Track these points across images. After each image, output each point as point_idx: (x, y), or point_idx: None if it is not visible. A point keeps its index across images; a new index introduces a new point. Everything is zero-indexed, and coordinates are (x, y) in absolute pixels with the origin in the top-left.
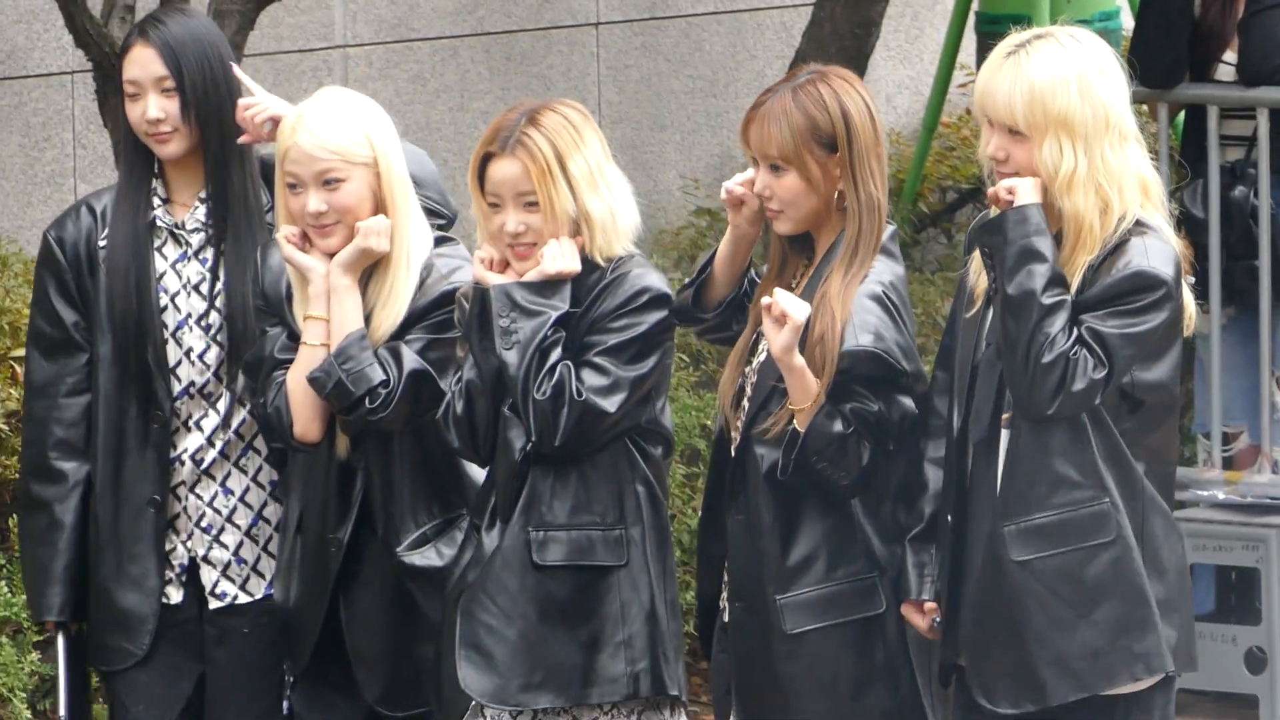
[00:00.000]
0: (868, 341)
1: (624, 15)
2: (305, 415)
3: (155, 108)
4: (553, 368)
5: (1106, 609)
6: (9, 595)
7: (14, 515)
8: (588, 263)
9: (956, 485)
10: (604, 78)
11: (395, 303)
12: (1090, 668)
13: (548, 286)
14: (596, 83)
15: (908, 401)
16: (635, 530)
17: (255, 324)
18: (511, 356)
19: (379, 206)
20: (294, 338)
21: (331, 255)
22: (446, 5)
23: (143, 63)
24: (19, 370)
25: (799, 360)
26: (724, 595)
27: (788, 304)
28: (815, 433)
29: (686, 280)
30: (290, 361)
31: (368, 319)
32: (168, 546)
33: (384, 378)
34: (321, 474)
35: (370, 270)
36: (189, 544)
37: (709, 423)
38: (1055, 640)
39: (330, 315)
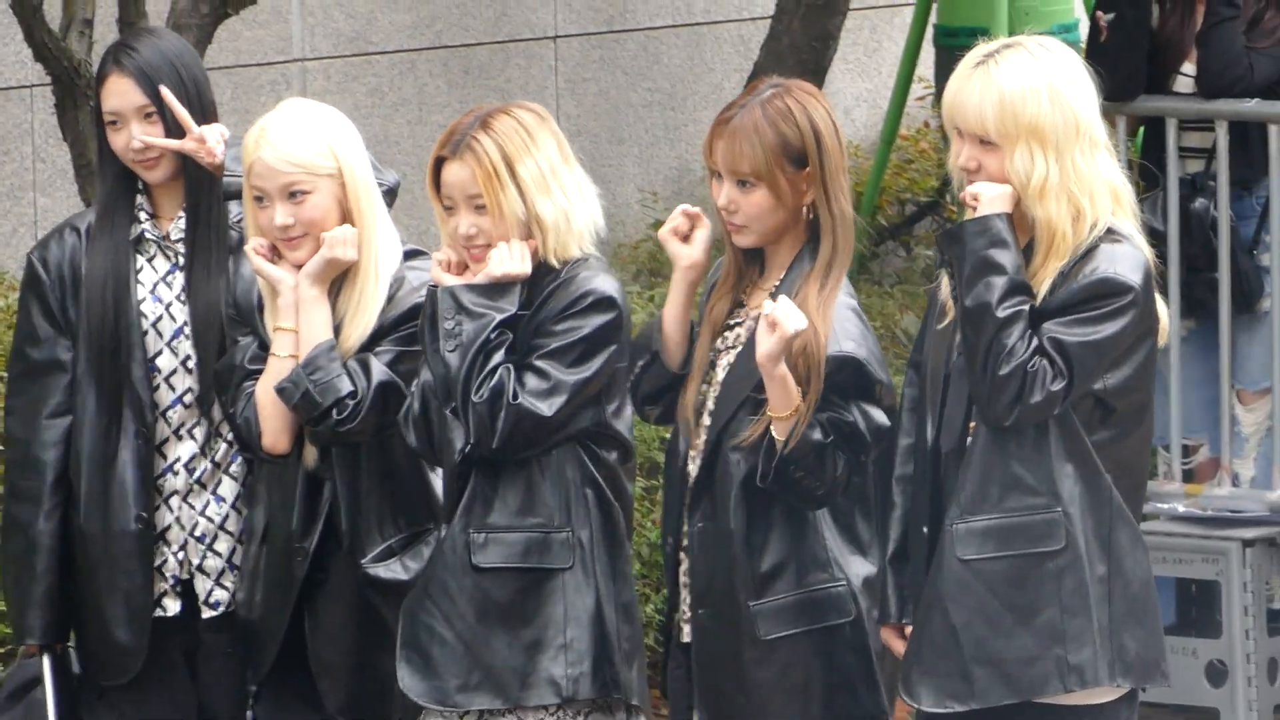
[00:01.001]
0: (849, 348)
1: (581, 28)
2: (274, 426)
3: (139, 138)
4: (493, 370)
5: (1046, 616)
6: None
7: None
8: (542, 265)
9: (931, 496)
10: (562, 90)
11: (364, 313)
12: (1023, 673)
13: (495, 289)
14: (555, 96)
15: (879, 413)
16: (583, 533)
17: (228, 333)
18: (453, 358)
19: (345, 217)
20: (265, 348)
21: (300, 267)
22: (404, 19)
23: (121, 92)
24: None
25: (783, 369)
26: (679, 614)
27: (783, 313)
28: (797, 440)
29: (639, 365)
30: (260, 372)
31: (337, 330)
32: (159, 560)
33: (352, 389)
34: (289, 483)
35: (340, 281)
36: (180, 555)
37: (668, 435)
38: (990, 641)
39: (299, 326)
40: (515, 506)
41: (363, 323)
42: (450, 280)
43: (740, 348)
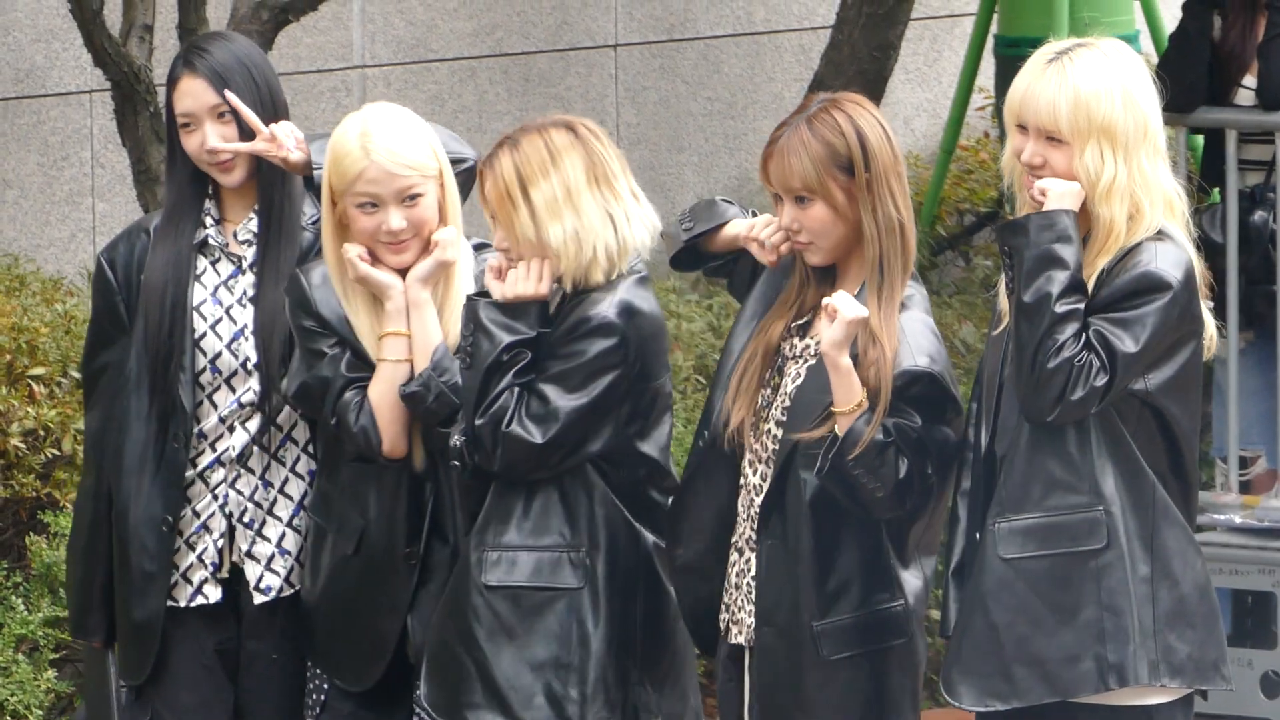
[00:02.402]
0: (924, 363)
1: (642, 37)
2: (394, 431)
3: (215, 137)
4: (500, 393)
5: (1087, 615)
6: (25, 613)
7: (30, 533)
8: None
9: (984, 502)
10: (622, 99)
11: (458, 311)
12: (1064, 672)
13: (514, 309)
14: (615, 104)
15: (948, 430)
16: (596, 554)
17: (302, 341)
18: (467, 377)
19: (443, 216)
20: (359, 355)
21: (400, 270)
22: (465, 26)
23: (194, 93)
24: (37, 389)
25: (847, 361)
26: (725, 617)
27: (841, 302)
28: (854, 436)
29: (687, 225)
30: (363, 380)
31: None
32: (200, 548)
33: None
34: (389, 490)
35: (436, 281)
36: (220, 543)
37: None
38: (1032, 640)
39: (412, 330)
40: (528, 526)
41: (459, 320)
42: (496, 288)
43: (813, 360)
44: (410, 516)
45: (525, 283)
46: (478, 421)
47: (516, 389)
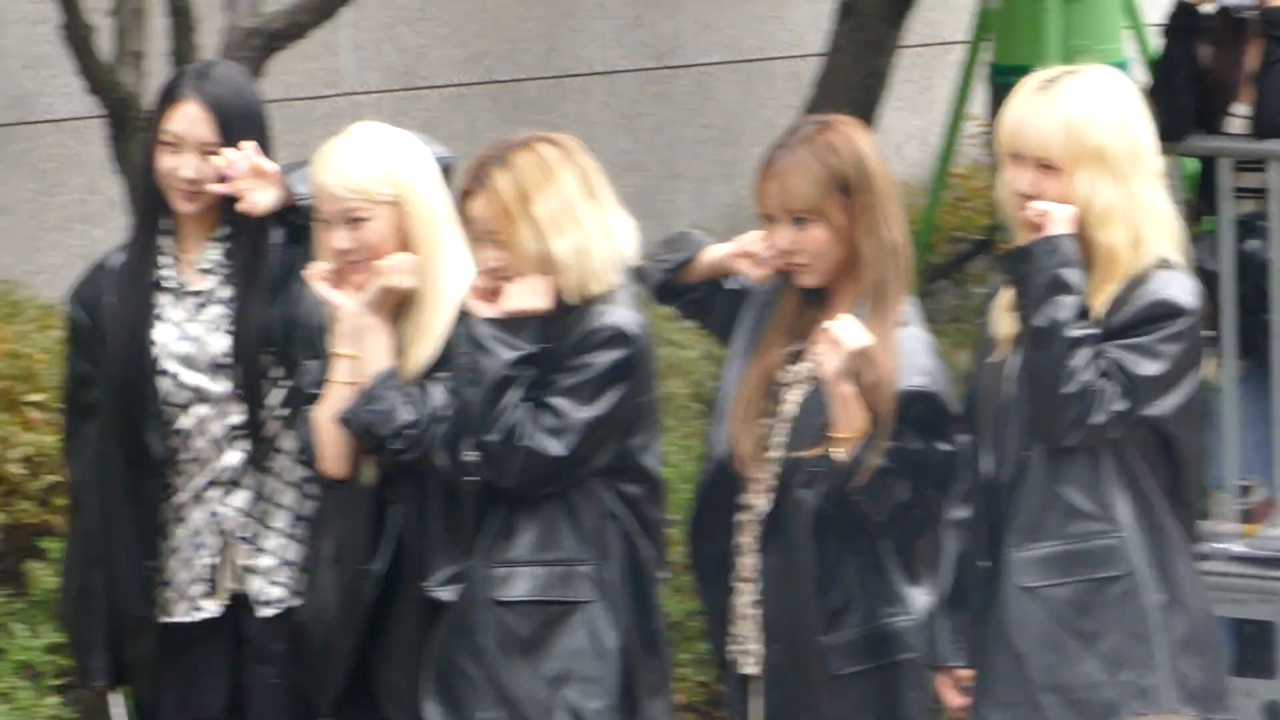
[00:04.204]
0: (922, 382)
1: (632, 64)
2: (331, 452)
3: (192, 169)
4: (509, 409)
5: (1110, 642)
6: (27, 639)
7: (30, 560)
8: (563, 302)
9: (990, 531)
10: (616, 126)
11: (426, 340)
12: (1091, 699)
13: (512, 324)
14: (609, 131)
15: (948, 447)
16: (609, 566)
17: (295, 354)
18: (470, 394)
19: (406, 244)
20: None
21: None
22: (455, 53)
23: (192, 120)
24: (34, 416)
25: (849, 388)
26: (733, 647)
27: (841, 331)
28: (858, 464)
29: (662, 258)
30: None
31: (401, 356)
32: (197, 563)
33: (412, 419)
34: (357, 508)
35: (403, 306)
36: (216, 559)
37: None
38: (1057, 669)
39: (359, 353)
40: (537, 541)
41: (424, 349)
42: (481, 309)
43: (812, 384)
44: (373, 536)
45: (526, 297)
46: (490, 438)
47: (526, 404)
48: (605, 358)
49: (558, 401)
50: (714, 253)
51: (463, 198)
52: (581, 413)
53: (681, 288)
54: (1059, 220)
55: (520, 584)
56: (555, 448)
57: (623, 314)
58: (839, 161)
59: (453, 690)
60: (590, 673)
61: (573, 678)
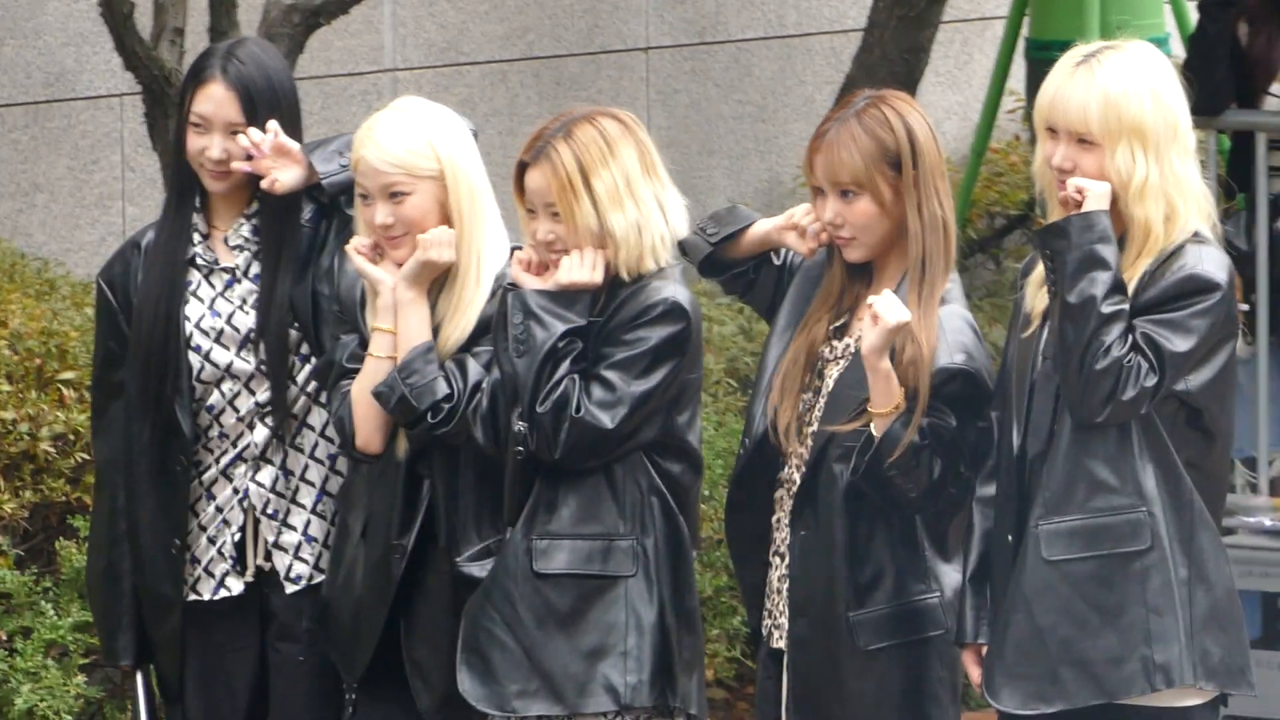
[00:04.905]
0: (961, 360)
1: (673, 40)
2: (368, 427)
3: (219, 149)
4: (559, 381)
5: (1131, 616)
6: (55, 619)
7: (60, 538)
8: (615, 277)
9: (1018, 505)
10: (653, 102)
11: (463, 314)
12: (1111, 673)
13: (565, 297)
14: (646, 107)
15: (983, 426)
16: (648, 541)
17: (331, 330)
18: (520, 365)
19: (447, 217)
20: (366, 345)
21: (402, 265)
22: (496, 30)
23: (218, 102)
24: (67, 394)
25: (886, 364)
26: (768, 622)
27: (883, 306)
28: (891, 439)
29: (711, 230)
30: (358, 371)
31: (437, 330)
32: (220, 540)
33: (448, 391)
34: (389, 482)
35: (440, 281)
36: (238, 536)
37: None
38: (1077, 642)
39: (396, 328)
40: (578, 514)
41: (462, 323)
42: (528, 280)
43: (850, 359)
44: (404, 510)
45: (580, 270)
46: (539, 409)
47: (575, 377)
48: (660, 332)
49: (610, 375)
50: (761, 227)
51: (520, 169)
52: (634, 386)
53: (728, 262)
54: (1095, 196)
55: (560, 557)
56: (605, 420)
57: (677, 289)
58: (889, 135)
59: (488, 661)
60: (627, 647)
61: (609, 652)
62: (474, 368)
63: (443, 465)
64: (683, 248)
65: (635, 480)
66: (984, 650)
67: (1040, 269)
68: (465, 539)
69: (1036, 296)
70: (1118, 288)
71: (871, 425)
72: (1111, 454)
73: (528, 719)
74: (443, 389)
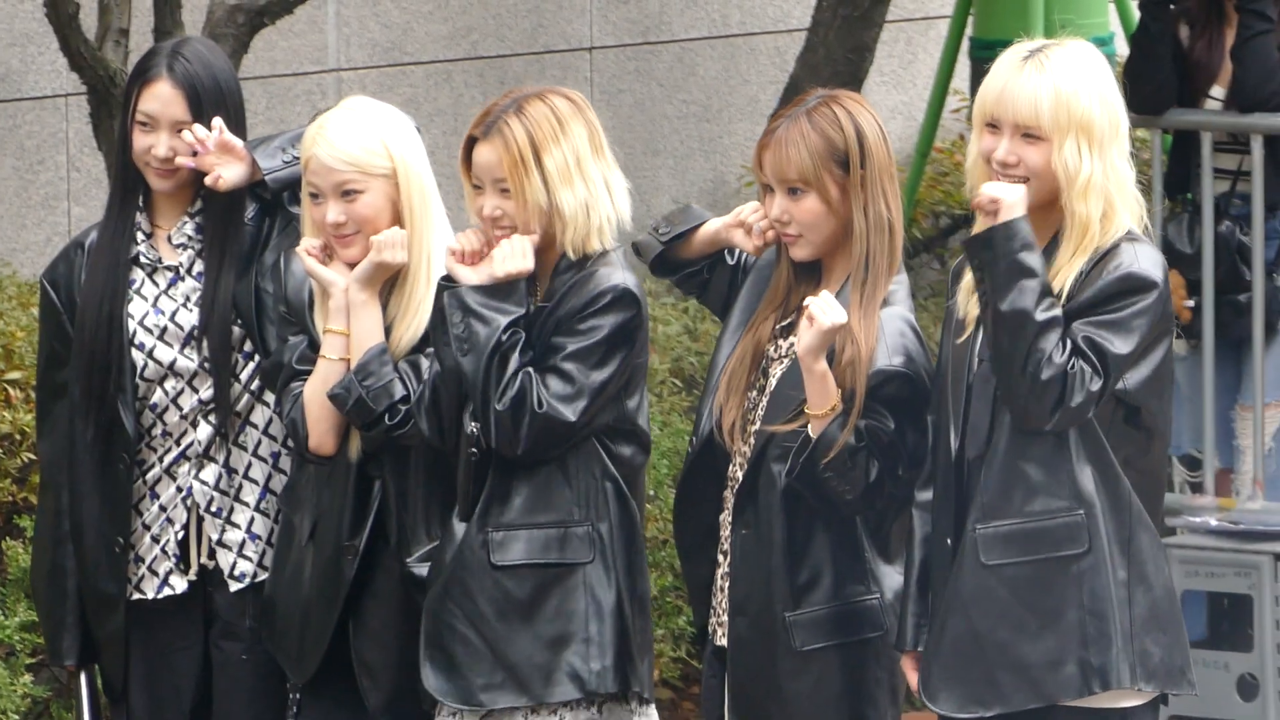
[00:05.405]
0: (899, 363)
1: (617, 40)
2: (321, 429)
3: (165, 147)
4: (513, 375)
5: (1069, 619)
6: (1, 618)
7: (6, 538)
8: (561, 257)
9: (956, 507)
10: (597, 102)
11: (414, 314)
12: (1048, 677)
13: (500, 289)
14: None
15: (922, 430)
16: (603, 527)
17: (278, 330)
18: (467, 364)
19: (398, 217)
20: (314, 347)
21: (353, 265)
22: (440, 29)
23: (165, 100)
24: (13, 394)
25: (822, 365)
26: (713, 620)
27: (819, 308)
28: (826, 440)
29: (664, 230)
30: (308, 372)
31: (389, 331)
32: (164, 538)
33: (404, 393)
34: (339, 483)
35: (391, 282)
36: (181, 534)
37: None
38: (1015, 646)
39: (350, 330)
40: (531, 503)
41: (413, 324)
42: (463, 273)
43: (793, 359)
44: (356, 510)
45: (514, 259)
46: (498, 406)
47: (530, 370)
48: (612, 320)
49: (568, 366)
50: (711, 225)
51: (469, 144)
52: (592, 377)
53: (680, 261)
54: (1009, 206)
55: (517, 547)
56: (568, 414)
57: (626, 275)
58: (839, 134)
59: (452, 656)
60: (589, 634)
61: (572, 640)
62: (427, 368)
63: (393, 466)
64: (636, 249)
65: (588, 467)
66: (921, 657)
67: (970, 275)
68: (415, 539)
69: (969, 303)
70: (1047, 292)
71: (808, 426)
72: (1048, 456)
73: (495, 712)
74: (399, 390)
